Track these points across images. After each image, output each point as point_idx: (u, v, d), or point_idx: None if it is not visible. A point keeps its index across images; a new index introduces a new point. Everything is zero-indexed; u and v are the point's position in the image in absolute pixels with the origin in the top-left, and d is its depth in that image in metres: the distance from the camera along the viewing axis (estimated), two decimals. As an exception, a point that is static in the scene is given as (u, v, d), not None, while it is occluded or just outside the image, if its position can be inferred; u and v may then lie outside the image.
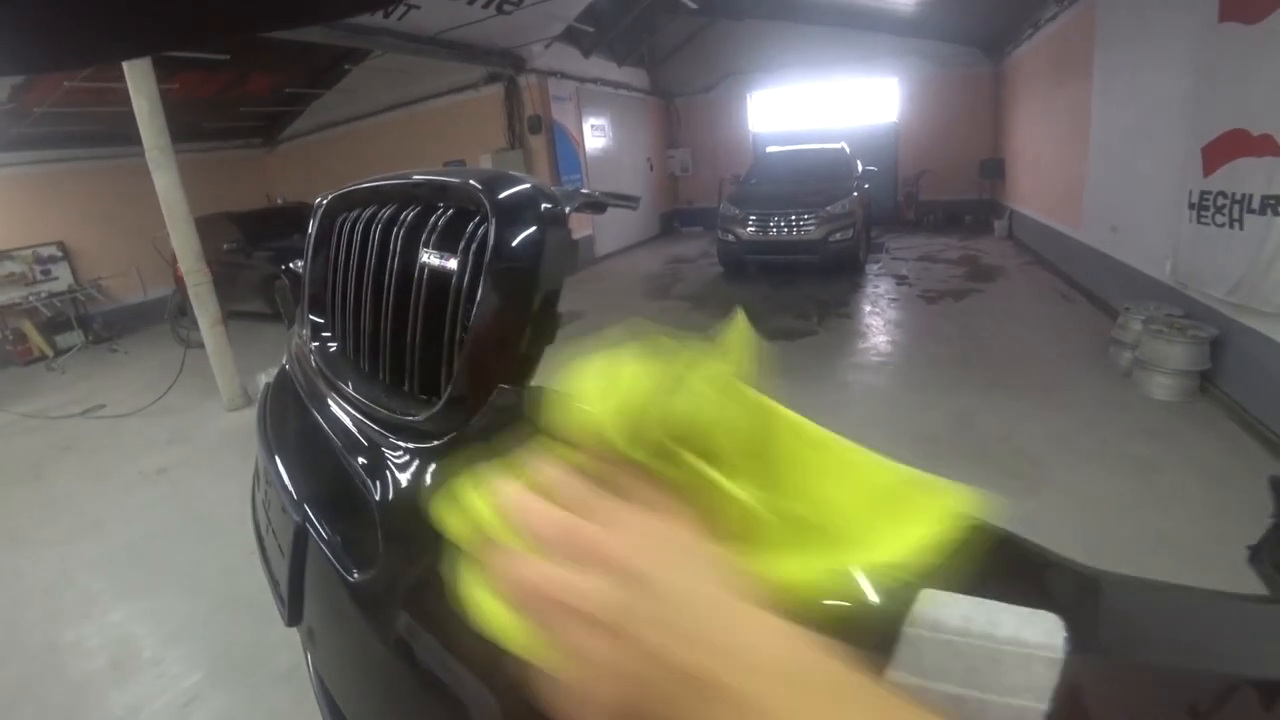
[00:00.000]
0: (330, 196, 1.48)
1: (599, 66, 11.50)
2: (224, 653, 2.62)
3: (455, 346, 0.95)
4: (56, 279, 11.08)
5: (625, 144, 12.71)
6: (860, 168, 9.20)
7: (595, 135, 11.67)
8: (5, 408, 7.05)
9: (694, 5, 11.21)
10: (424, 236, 1.06)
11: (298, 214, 10.45)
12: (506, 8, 7.78)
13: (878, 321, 6.48)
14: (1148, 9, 5.15)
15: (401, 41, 7.75)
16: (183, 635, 2.78)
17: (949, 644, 0.43)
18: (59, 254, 11.24)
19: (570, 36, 10.04)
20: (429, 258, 1.04)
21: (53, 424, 6.37)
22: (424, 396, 1.03)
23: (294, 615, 1.20)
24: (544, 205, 0.93)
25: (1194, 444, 3.56)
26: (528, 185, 0.97)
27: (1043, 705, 0.41)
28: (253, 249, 9.33)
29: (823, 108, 12.97)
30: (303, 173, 13.35)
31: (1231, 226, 3.75)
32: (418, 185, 1.17)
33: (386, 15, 7.02)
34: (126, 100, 5.56)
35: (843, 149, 9.37)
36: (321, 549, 1.01)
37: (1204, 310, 4.21)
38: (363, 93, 11.20)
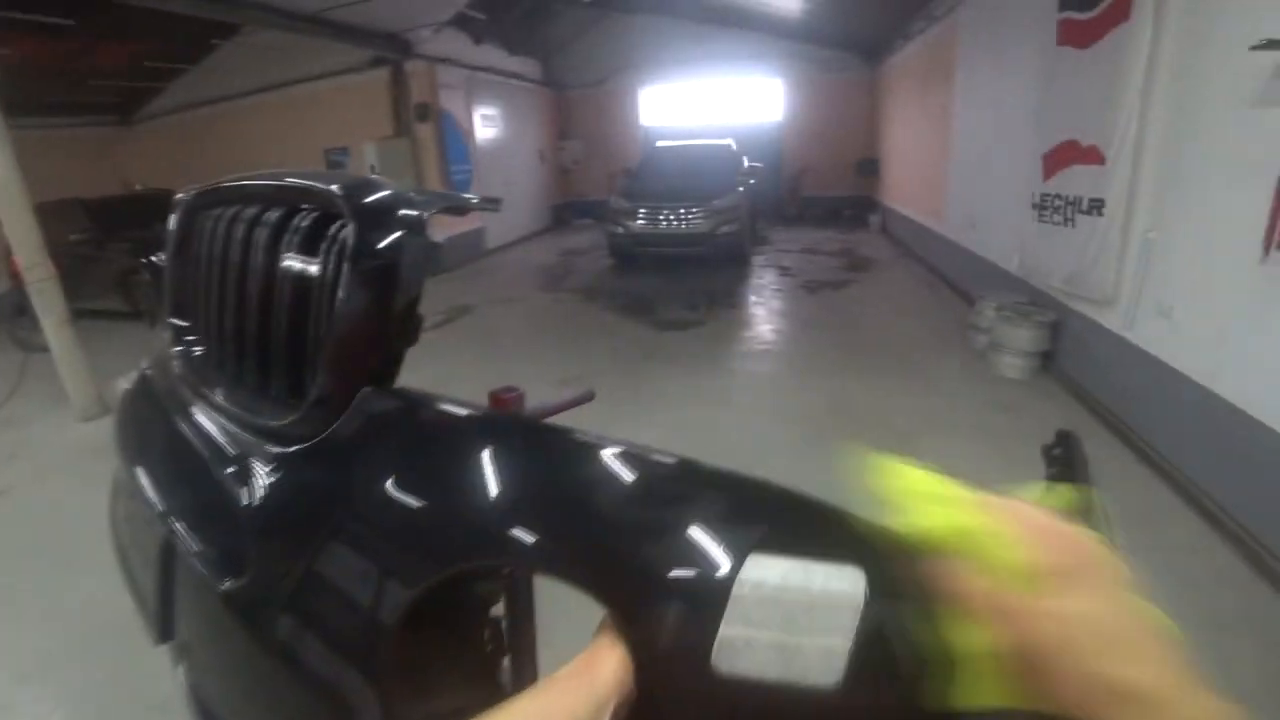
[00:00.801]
0: (192, 193, 1.46)
1: (491, 55, 11.31)
2: (86, 689, 2.39)
3: (318, 349, 0.97)
4: None
5: (517, 134, 12.58)
6: (746, 164, 9.61)
7: (486, 125, 11.47)
8: None
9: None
10: (286, 238, 1.07)
11: (158, 202, 9.49)
12: (389, -11, 7.52)
13: (762, 311, 6.85)
14: (1001, 29, 5.76)
15: (276, 17, 7.31)
16: (35, 674, 2.50)
17: (771, 599, 0.51)
18: None
19: (461, 22, 9.80)
20: (291, 260, 1.05)
21: None
22: (290, 401, 1.03)
23: (164, 631, 1.17)
24: (402, 209, 0.96)
25: (1035, 413, 4.08)
26: (387, 190, 1.01)
27: (848, 643, 0.48)
28: (107, 239, 8.44)
29: (711, 105, 13.48)
30: (165, 156, 12.19)
31: (1065, 225, 4.29)
32: (281, 187, 1.17)
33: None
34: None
35: (729, 145, 9.77)
36: (191, 560, 1.00)
37: (1046, 299, 4.79)
38: (233, 71, 10.46)
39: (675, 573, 0.56)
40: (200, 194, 1.44)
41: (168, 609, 1.14)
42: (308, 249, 1.04)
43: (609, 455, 0.67)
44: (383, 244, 0.92)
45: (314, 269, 1.01)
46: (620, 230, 8.70)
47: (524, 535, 0.66)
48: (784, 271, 8.61)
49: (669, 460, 0.66)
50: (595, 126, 14.28)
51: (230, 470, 1.01)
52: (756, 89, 13.32)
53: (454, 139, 10.30)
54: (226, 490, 0.98)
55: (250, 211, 1.21)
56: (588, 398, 1.52)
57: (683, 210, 8.31)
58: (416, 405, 0.87)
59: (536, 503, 0.70)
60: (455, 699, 0.92)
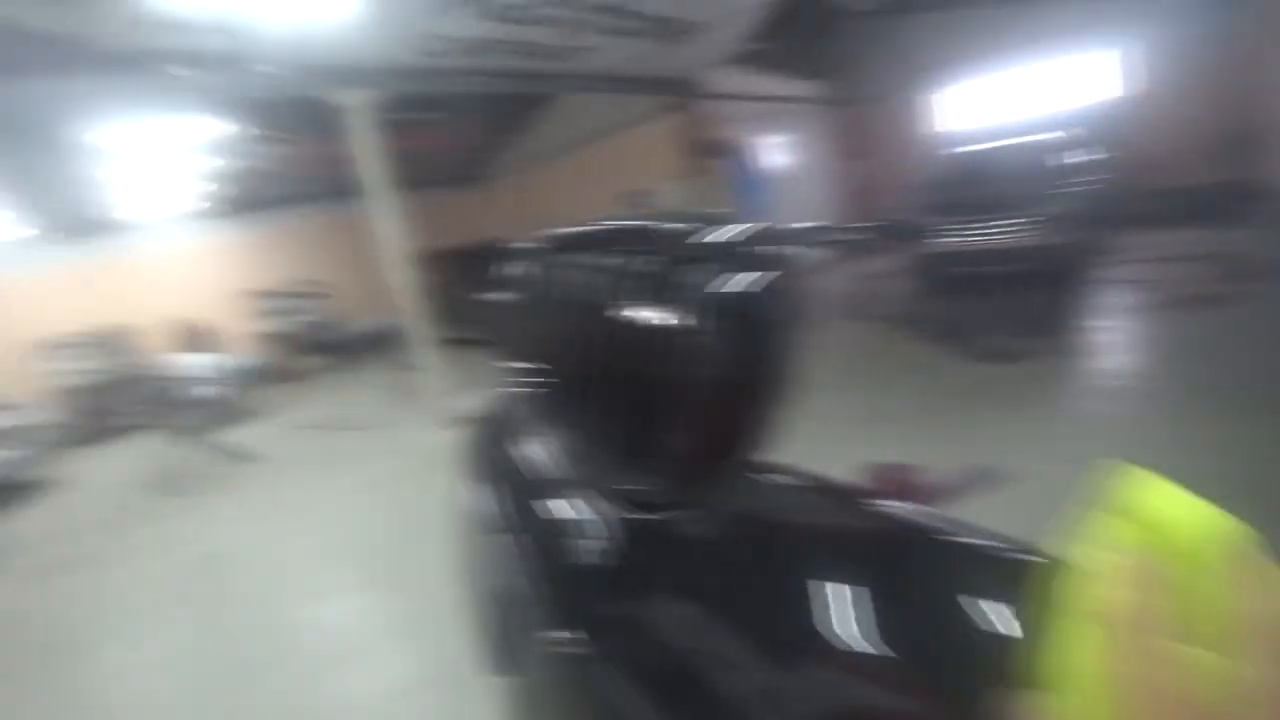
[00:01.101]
0: (536, 239, 1.45)
1: (775, 83, 11.27)
2: (440, 651, 2.84)
3: (669, 407, 0.80)
4: (311, 311, 13.31)
5: (807, 160, 12.31)
6: (1078, 158, 8.00)
7: (775, 154, 11.41)
8: (271, 418, 8.52)
9: (866, 7, 10.61)
10: (631, 284, 0.92)
11: (504, 249, 11.37)
12: (679, 38, 7.85)
13: (1112, 338, 5.50)
14: None
15: (580, 83, 8.12)
16: (399, 632, 3.13)
17: None
18: (314, 291, 13.51)
19: (743, 56, 9.92)
20: (636, 309, 0.90)
21: (304, 434, 7.56)
22: (634, 461, 0.89)
23: (499, 666, 1.20)
24: (770, 250, 0.74)
25: None
26: (749, 227, 0.77)
27: None
28: (465, 282, 10.28)
29: (1029, 96, 11.50)
30: (507, 212, 14.61)
31: None
32: (626, 231, 1.05)
33: (563, 58, 7.39)
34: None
35: (1056, 139, 8.19)
36: (527, 604, 0.99)
37: None
38: (554, 134, 11.96)
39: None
40: (545, 239, 1.43)
41: (504, 645, 1.17)
42: (656, 297, 0.86)
43: None
44: (744, 290, 0.72)
45: (663, 318, 0.81)
46: (925, 251, 7.86)
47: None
48: (1135, 285, 6.89)
49: None
50: (891, 140, 13.27)
51: (564, 520, 1.00)
52: (1086, 67, 11.05)
53: (744, 173, 10.41)
54: (562, 539, 0.96)
55: (595, 258, 1.11)
56: (995, 478, 1.20)
57: (999, 222, 7.17)
58: (796, 495, 0.75)
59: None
60: None
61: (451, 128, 10.72)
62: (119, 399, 10.82)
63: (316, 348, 12.71)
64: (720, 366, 0.72)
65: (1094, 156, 8.27)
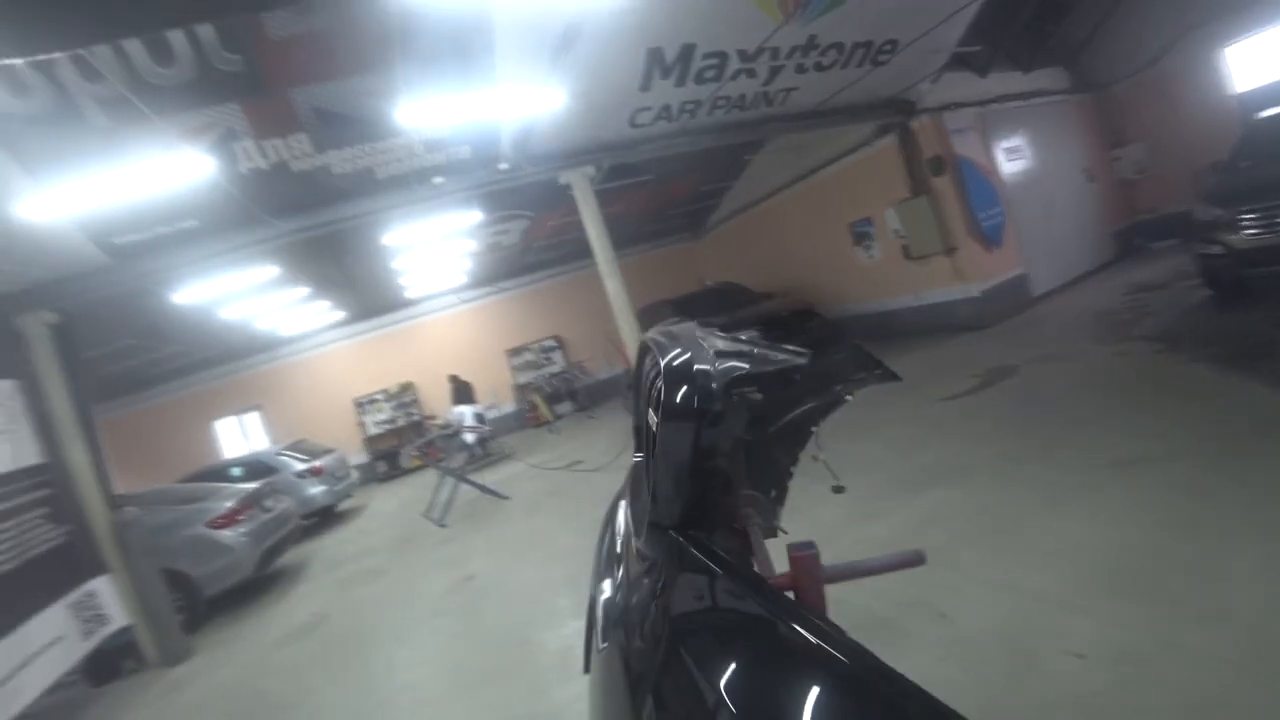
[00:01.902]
0: (644, 336, 1.85)
1: (1001, 82, 10.19)
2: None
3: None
4: (554, 363, 15.10)
5: (1052, 159, 10.84)
6: None
7: (1011, 159, 10.26)
8: (521, 459, 9.70)
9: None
10: (652, 392, 1.31)
11: (724, 291, 11.86)
12: (881, 58, 7.55)
13: None
14: None
15: (787, 124, 8.18)
16: None
17: None
18: (555, 344, 15.34)
19: (960, 61, 9.16)
20: (650, 413, 1.28)
21: (548, 474, 8.46)
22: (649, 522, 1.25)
23: (587, 666, 1.51)
24: (701, 381, 1.06)
25: None
26: (687, 358, 1.14)
27: None
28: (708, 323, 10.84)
29: None
30: (727, 255, 15.13)
31: None
32: (658, 346, 1.38)
33: (769, 104, 7.53)
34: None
35: None
36: (596, 615, 1.33)
37: None
38: (766, 175, 12.15)
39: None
40: (644, 339, 1.78)
41: (589, 651, 1.48)
42: (657, 404, 1.23)
43: None
44: (679, 407, 1.06)
45: (654, 421, 1.21)
46: (1215, 249, 6.38)
47: None
48: None
49: None
50: (1159, 119, 11.05)
51: (618, 557, 1.37)
52: None
53: (976, 184, 9.53)
54: (616, 571, 1.32)
55: (651, 364, 1.46)
56: (914, 561, 1.35)
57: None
58: (700, 567, 0.98)
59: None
60: None
61: (667, 186, 11.45)
62: (404, 442, 13.42)
63: (561, 396, 14.41)
64: (664, 454, 1.10)
65: None
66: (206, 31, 4.15)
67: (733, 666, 0.74)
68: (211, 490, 7.66)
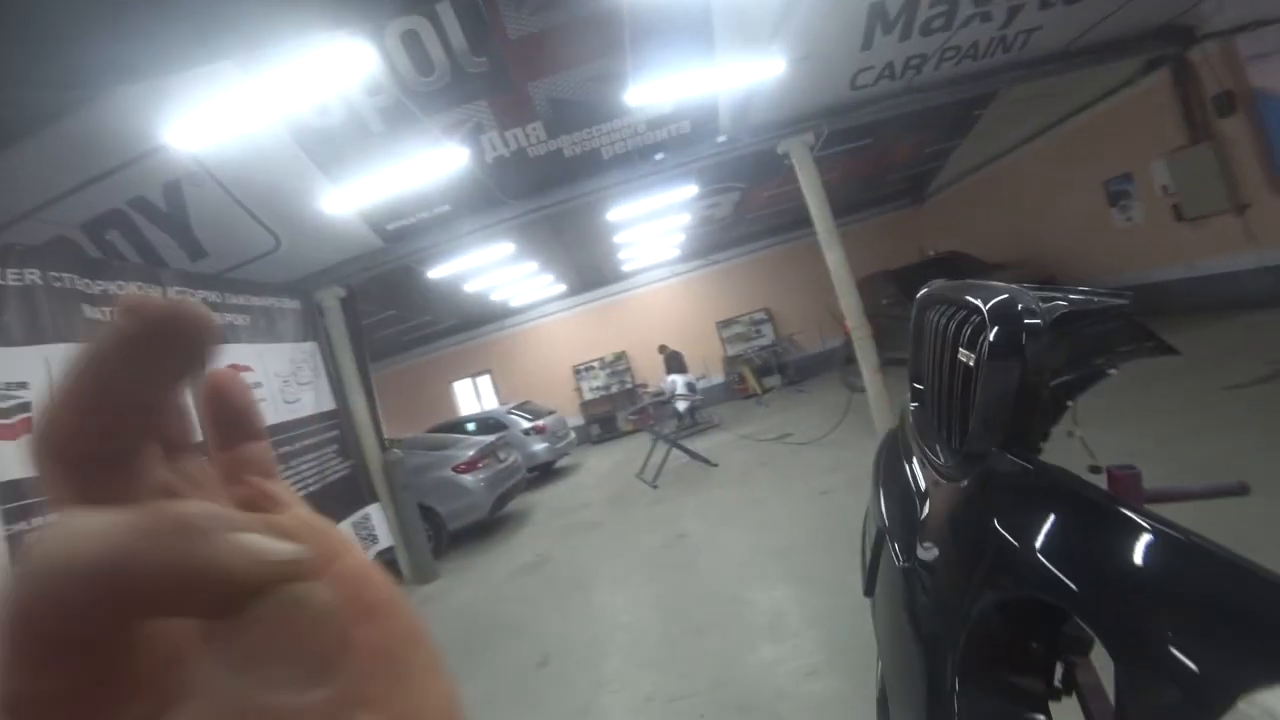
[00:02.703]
0: (922, 293, 1.96)
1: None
2: (847, 644, 3.15)
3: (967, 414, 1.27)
4: (763, 336, 15.10)
5: None
6: None
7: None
8: (730, 429, 9.90)
9: None
10: (961, 334, 1.37)
11: (948, 262, 11.01)
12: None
13: None
14: None
15: (1028, 70, 7.26)
16: (818, 622, 3.52)
17: None
18: (764, 317, 15.28)
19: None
20: (961, 352, 1.36)
21: (757, 445, 8.58)
22: (956, 452, 1.36)
23: (869, 588, 1.73)
24: (1026, 318, 1.15)
25: None
26: (1010, 298, 1.22)
27: None
28: (907, 300, 10.15)
29: None
30: (952, 222, 13.91)
31: None
32: (955, 298, 1.50)
33: (1007, 50, 6.74)
34: (802, 196, 7.13)
35: None
36: (890, 545, 1.48)
37: None
38: (998, 132, 10.92)
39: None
40: (925, 295, 1.92)
41: (873, 575, 1.66)
42: (969, 344, 1.33)
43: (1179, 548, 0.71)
44: (1007, 344, 1.15)
45: (970, 360, 1.28)
46: None
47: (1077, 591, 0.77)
48: None
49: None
50: None
51: (919, 492, 1.48)
52: None
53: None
54: (916, 505, 1.45)
55: (945, 312, 1.55)
56: (1237, 491, 1.44)
57: None
58: (1027, 471, 1.07)
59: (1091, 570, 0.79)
60: (1009, 705, 1.04)
61: (889, 149, 10.74)
62: (618, 408, 14.26)
63: (770, 369, 14.33)
64: (991, 396, 1.18)
65: None
66: (458, 39, 4.69)
67: (1076, 556, 0.82)
68: (456, 440, 8.85)
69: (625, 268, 14.42)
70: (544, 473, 11.54)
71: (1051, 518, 0.91)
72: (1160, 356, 2.00)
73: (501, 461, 8.56)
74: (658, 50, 5.10)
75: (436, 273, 9.05)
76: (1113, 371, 2.02)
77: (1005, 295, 1.23)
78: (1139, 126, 8.79)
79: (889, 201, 14.80)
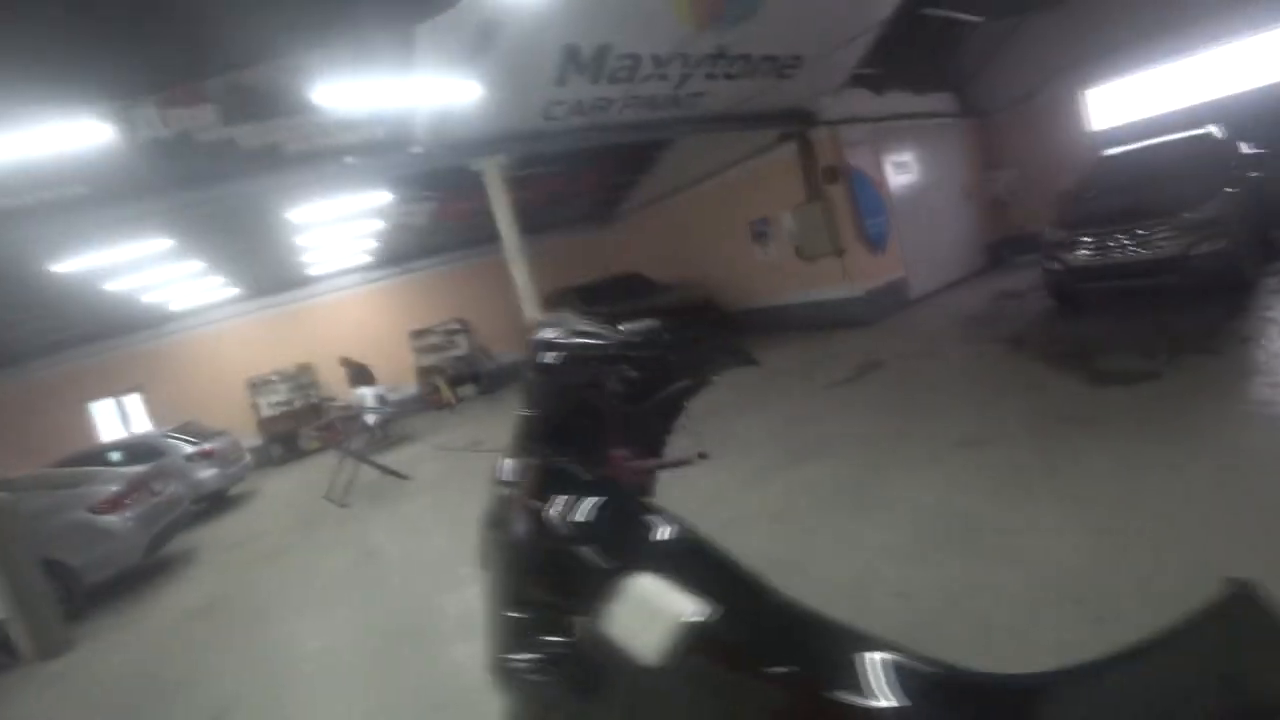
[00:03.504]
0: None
1: (896, 101, 11.09)
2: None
3: None
4: (459, 346, 15.06)
5: (935, 175, 11.92)
6: (1243, 152, 7.19)
7: (899, 172, 11.22)
8: (423, 440, 9.75)
9: (978, 19, 10.21)
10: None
11: (627, 281, 12.32)
12: (786, 73, 8.13)
13: (1261, 357, 4.93)
14: None
15: (695, 126, 8.65)
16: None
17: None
18: (459, 328, 15.26)
19: (859, 79, 9.95)
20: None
21: (450, 454, 8.59)
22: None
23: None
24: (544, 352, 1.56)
25: None
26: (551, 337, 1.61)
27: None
28: (590, 314, 11.09)
29: (1188, 85, 10.17)
30: (633, 245, 15.50)
31: None
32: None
33: (679, 106, 7.95)
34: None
35: (1210, 134, 7.39)
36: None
37: None
38: (675, 171, 12.63)
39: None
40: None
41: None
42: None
43: None
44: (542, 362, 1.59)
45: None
46: (1055, 265, 7.36)
47: None
48: None
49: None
50: (1029, 148, 12.32)
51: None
52: (1262, 48, 9.49)
53: (865, 193, 10.37)
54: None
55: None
56: (695, 460, 1.92)
57: (1140, 231, 6.56)
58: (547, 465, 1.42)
59: None
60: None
61: (579, 176, 11.69)
62: (301, 425, 13.06)
63: (464, 379, 14.41)
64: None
65: (1259, 150, 7.41)
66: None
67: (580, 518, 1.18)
68: (94, 474, 7.29)
69: (311, 271, 13.27)
70: (216, 503, 10.06)
71: (566, 498, 1.25)
72: (746, 366, 2.66)
73: (156, 495, 7.28)
74: (353, 53, 4.98)
75: (63, 266, 7.38)
76: (715, 379, 2.66)
77: (549, 331, 1.63)
78: (775, 182, 10.97)
79: (581, 222, 15.97)
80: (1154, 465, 3.59)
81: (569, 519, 1.17)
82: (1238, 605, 0.70)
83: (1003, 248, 12.92)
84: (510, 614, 1.08)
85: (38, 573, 5.66)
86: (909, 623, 2.78)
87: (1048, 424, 4.56)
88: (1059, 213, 7.82)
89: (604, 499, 1.21)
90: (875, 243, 10.41)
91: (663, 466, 1.91)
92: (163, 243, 7.66)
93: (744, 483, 4.92)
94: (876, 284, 10.38)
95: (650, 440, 2.61)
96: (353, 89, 5.08)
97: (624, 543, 1.06)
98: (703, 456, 2.20)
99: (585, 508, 1.19)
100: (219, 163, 5.90)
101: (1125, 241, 6.73)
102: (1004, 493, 3.72)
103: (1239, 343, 5.23)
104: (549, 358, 1.52)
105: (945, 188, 12.15)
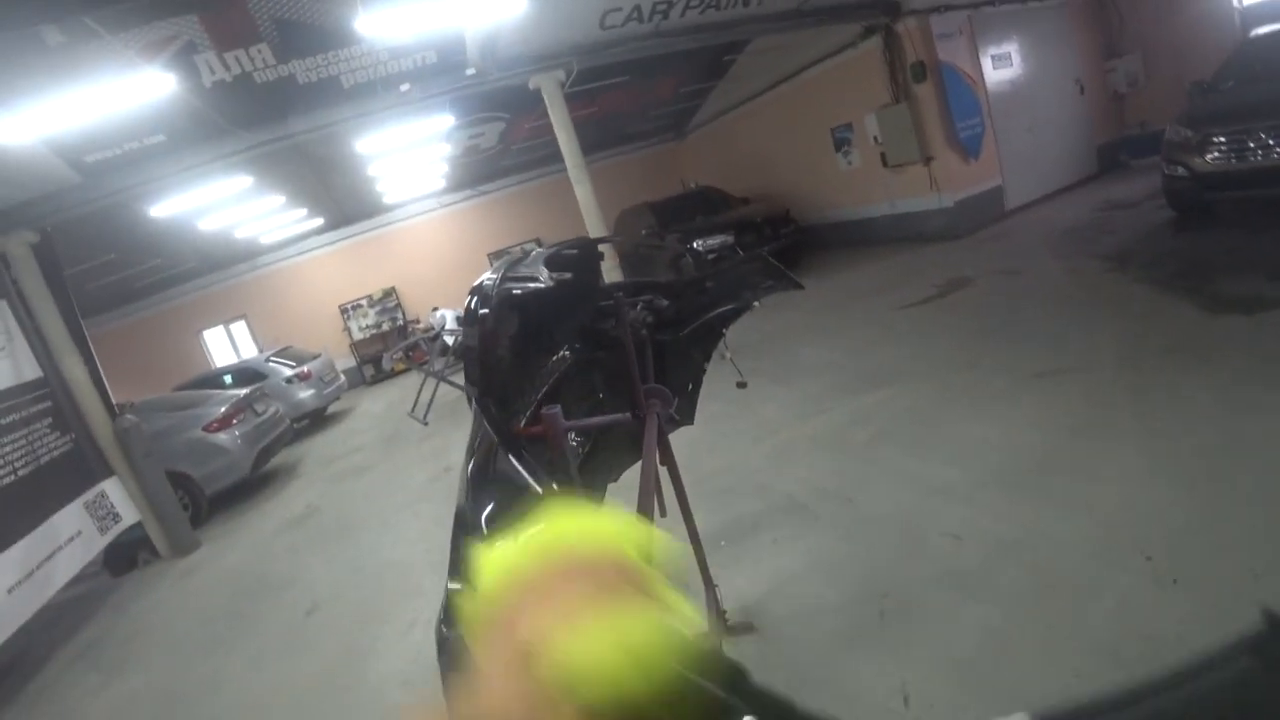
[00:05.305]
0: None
1: (999, -16, 9.80)
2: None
3: None
4: None
5: (1042, 68, 10.59)
6: None
7: (998, 67, 10.04)
8: None
9: None
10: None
11: (704, 196, 11.90)
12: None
13: None
14: None
15: (766, 24, 7.98)
16: None
17: None
18: (535, 247, 15.28)
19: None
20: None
21: None
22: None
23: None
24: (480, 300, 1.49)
25: None
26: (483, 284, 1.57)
27: None
28: (665, 231, 10.79)
29: None
30: (710, 157, 14.92)
31: None
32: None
33: (746, 4, 7.32)
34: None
35: None
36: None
37: None
38: (748, 76, 11.83)
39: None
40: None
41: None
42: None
43: None
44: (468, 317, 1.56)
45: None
46: (1179, 170, 6.41)
47: None
48: None
49: None
50: (1160, 30, 10.60)
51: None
52: None
53: (958, 92, 9.39)
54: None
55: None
56: (625, 421, 1.79)
57: (1292, 130, 5.63)
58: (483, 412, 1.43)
59: None
60: None
61: (647, 88, 11.13)
62: (387, 347, 13.70)
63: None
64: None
65: None
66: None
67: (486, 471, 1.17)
68: (205, 397, 8.01)
69: (387, 199, 13.52)
70: (314, 421, 10.90)
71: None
72: (791, 290, 2.49)
73: (260, 414, 7.95)
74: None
75: (161, 210, 7.87)
76: (757, 304, 2.50)
77: (481, 279, 1.57)
78: (858, 83, 10.10)
79: (653, 135, 15.42)
80: (1265, 409, 3.15)
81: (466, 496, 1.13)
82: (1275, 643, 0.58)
83: (1120, 149, 11.51)
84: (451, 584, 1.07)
85: (165, 483, 6.38)
86: (957, 569, 2.66)
87: (1144, 355, 4.11)
88: (1188, 110, 6.79)
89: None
90: (968, 148, 9.49)
91: (598, 426, 1.80)
92: (243, 181, 7.97)
93: (800, 411, 4.80)
94: (969, 193, 9.54)
95: (686, 372, 2.53)
96: (395, 16, 4.93)
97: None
98: (741, 386, 2.12)
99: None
100: (282, 100, 6.00)
101: (1270, 141, 5.78)
102: (1083, 432, 3.43)
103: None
104: (480, 303, 1.47)
105: (1054, 81, 10.80)
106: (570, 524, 0.42)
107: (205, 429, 7.25)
